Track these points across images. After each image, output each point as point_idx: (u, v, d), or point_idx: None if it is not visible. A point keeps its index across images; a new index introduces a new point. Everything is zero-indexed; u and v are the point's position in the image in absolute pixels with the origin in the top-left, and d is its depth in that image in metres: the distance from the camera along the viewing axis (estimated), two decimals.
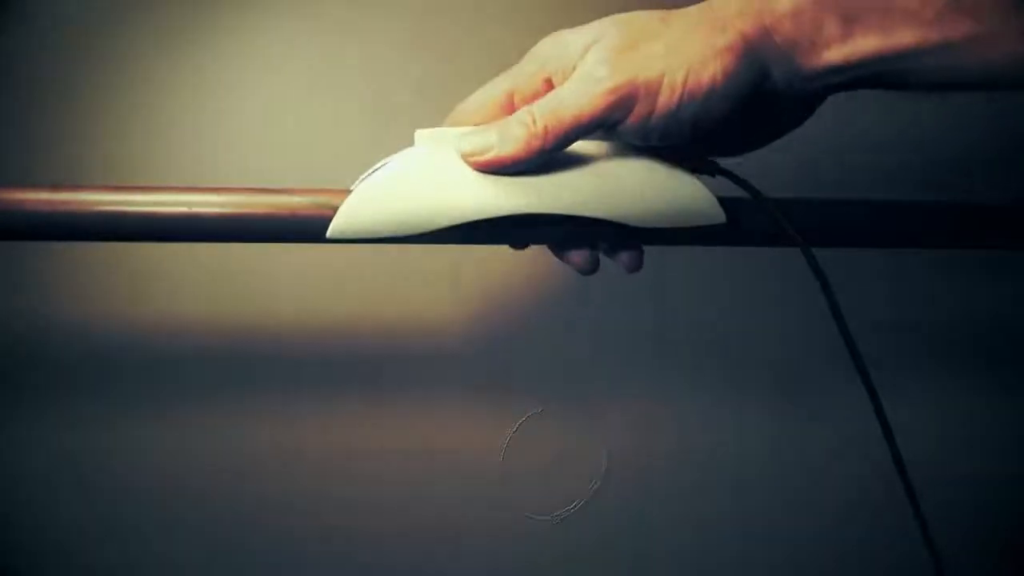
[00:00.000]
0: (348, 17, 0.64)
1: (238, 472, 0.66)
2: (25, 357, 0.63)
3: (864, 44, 0.38)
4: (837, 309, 0.44)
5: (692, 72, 0.38)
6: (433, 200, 0.42)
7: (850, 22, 0.38)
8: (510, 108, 0.43)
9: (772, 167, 0.49)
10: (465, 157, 0.41)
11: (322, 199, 0.43)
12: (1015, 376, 0.73)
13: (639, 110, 0.39)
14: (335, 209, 0.43)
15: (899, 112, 0.63)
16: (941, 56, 0.37)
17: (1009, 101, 0.63)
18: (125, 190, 0.43)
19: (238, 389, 0.66)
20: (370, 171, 0.44)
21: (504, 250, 0.48)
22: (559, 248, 0.47)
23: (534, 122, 0.40)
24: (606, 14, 0.41)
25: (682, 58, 0.38)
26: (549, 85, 0.42)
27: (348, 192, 0.43)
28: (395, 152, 0.44)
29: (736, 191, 0.45)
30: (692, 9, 0.40)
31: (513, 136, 0.40)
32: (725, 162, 0.45)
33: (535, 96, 0.42)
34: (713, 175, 0.45)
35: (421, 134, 0.44)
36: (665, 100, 0.38)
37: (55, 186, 0.43)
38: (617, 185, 0.43)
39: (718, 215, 0.44)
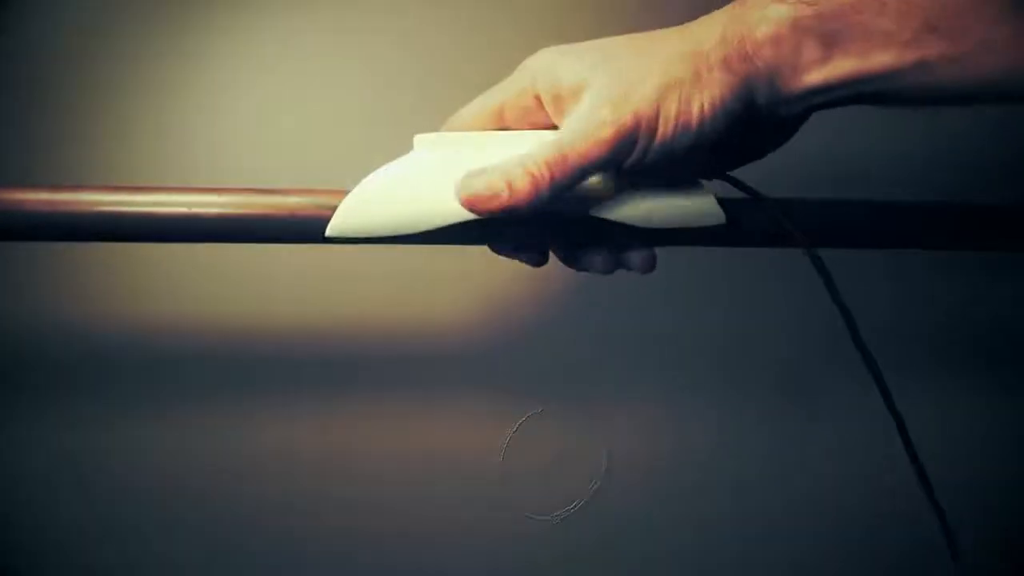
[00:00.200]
0: (345, 17, 0.64)
1: (238, 472, 0.66)
2: (25, 357, 0.63)
3: (843, 66, 0.39)
4: (846, 310, 0.45)
5: (683, 103, 0.39)
6: (432, 199, 0.42)
7: (829, 45, 0.38)
8: (503, 121, 0.44)
9: (772, 168, 0.49)
10: (468, 203, 0.41)
11: (321, 199, 0.43)
12: (1015, 376, 0.73)
13: (641, 145, 0.40)
14: (334, 210, 0.43)
15: (896, 116, 0.63)
16: (918, 75, 0.38)
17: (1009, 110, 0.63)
18: (124, 190, 0.43)
19: (238, 389, 0.66)
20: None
21: None
22: (560, 249, 0.47)
23: (539, 170, 0.40)
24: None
25: (673, 91, 0.39)
26: (538, 102, 0.43)
27: (347, 193, 0.43)
28: (394, 155, 0.44)
29: (736, 191, 0.45)
30: (672, 36, 0.41)
31: (520, 184, 0.40)
32: None
33: (525, 112, 0.43)
34: (710, 179, 0.45)
35: (420, 139, 0.44)
36: (661, 133, 0.39)
37: (55, 186, 0.43)
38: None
39: (718, 216, 0.44)
